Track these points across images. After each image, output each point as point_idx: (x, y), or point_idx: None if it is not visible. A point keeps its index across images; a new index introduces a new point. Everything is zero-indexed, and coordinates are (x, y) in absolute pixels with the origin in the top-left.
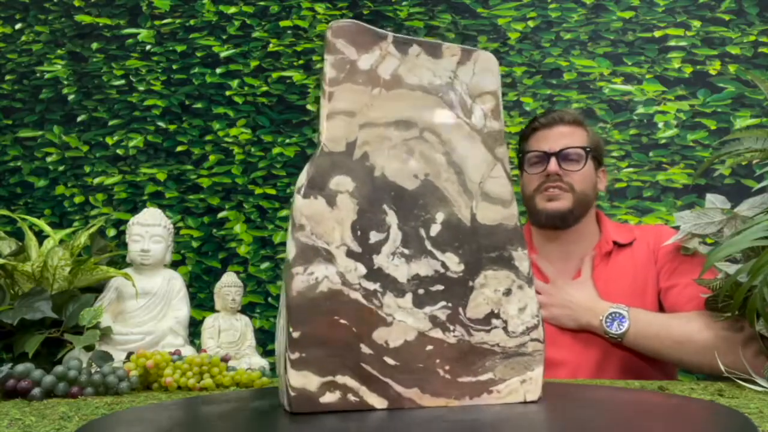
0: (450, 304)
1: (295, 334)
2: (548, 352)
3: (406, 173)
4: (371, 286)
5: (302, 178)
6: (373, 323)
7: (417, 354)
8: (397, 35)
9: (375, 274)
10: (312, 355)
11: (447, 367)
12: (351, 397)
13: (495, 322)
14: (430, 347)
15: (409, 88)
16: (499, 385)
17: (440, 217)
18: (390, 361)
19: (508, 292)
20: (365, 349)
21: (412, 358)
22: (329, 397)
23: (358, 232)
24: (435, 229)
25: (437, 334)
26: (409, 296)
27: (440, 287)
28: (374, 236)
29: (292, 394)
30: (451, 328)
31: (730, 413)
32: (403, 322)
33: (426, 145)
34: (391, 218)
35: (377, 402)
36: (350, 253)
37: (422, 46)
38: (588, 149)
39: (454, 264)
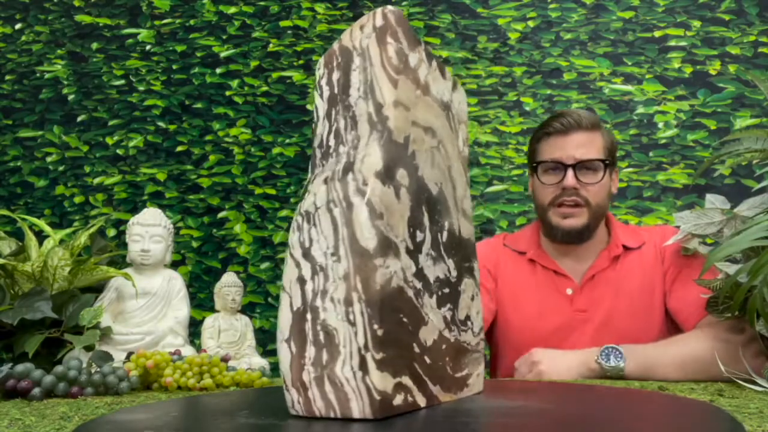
0: (451, 306)
1: (380, 332)
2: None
3: (433, 179)
4: (418, 284)
5: (376, 163)
6: (419, 322)
7: (439, 352)
8: (425, 44)
9: (419, 273)
10: (389, 354)
11: (451, 365)
12: (408, 398)
13: (468, 323)
14: (444, 346)
15: (432, 98)
16: (469, 380)
17: (446, 225)
18: (427, 359)
19: (473, 298)
20: (416, 348)
21: (437, 356)
22: (398, 399)
23: (410, 229)
24: (444, 236)
25: (447, 333)
26: (435, 297)
27: (447, 290)
28: (419, 235)
29: (378, 398)
30: (452, 328)
31: (717, 412)
32: (432, 321)
33: (440, 156)
34: (426, 220)
35: (421, 401)
36: (407, 250)
37: (437, 62)
38: (606, 162)
39: (452, 270)
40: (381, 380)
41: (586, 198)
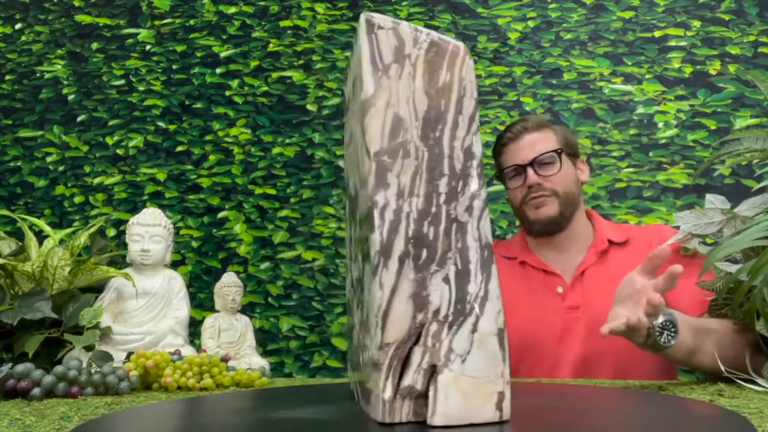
0: (361, 307)
1: None
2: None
3: (356, 183)
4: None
5: None
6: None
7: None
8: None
9: (354, 282)
10: None
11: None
12: None
13: (369, 326)
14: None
15: (348, 107)
16: (372, 397)
17: (358, 219)
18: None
19: (370, 290)
20: None
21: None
22: None
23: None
24: (357, 233)
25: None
26: (356, 301)
27: (360, 289)
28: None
29: None
30: (363, 332)
31: (729, 415)
32: (356, 326)
33: (356, 153)
34: (356, 231)
35: None
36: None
37: (346, 68)
38: (559, 150)
39: (361, 263)
40: None
41: (552, 189)
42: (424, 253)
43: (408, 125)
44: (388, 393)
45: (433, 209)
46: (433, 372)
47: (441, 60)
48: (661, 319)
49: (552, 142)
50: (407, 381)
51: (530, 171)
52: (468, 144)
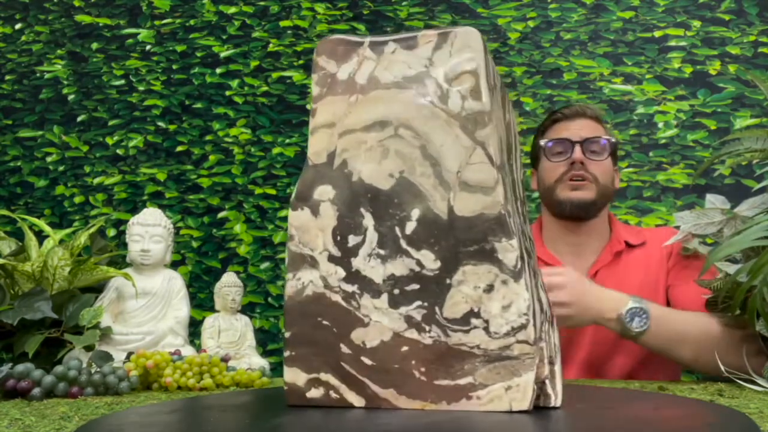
0: (426, 304)
1: (287, 334)
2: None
3: (382, 174)
4: (350, 288)
5: (293, 194)
6: (351, 324)
7: (393, 355)
8: (375, 37)
9: (353, 276)
10: (300, 353)
11: (423, 369)
12: (332, 394)
13: (475, 321)
14: (405, 348)
15: (384, 87)
16: (479, 391)
17: (416, 213)
18: (367, 361)
19: (489, 289)
20: (344, 349)
21: (387, 358)
22: (314, 393)
23: (338, 237)
24: (410, 227)
25: (412, 334)
26: (384, 297)
27: (416, 286)
28: (352, 240)
29: (285, 387)
30: (427, 328)
31: (733, 414)
32: (379, 322)
33: (401, 142)
34: (368, 221)
35: (355, 400)
36: (331, 258)
37: (398, 42)
38: (613, 140)
39: (429, 261)
40: (289, 374)
41: (593, 174)
42: (531, 262)
43: (503, 147)
44: (534, 384)
45: (521, 227)
46: (549, 362)
47: (505, 99)
48: (630, 304)
49: (603, 133)
50: (545, 371)
51: (578, 148)
52: (521, 177)
